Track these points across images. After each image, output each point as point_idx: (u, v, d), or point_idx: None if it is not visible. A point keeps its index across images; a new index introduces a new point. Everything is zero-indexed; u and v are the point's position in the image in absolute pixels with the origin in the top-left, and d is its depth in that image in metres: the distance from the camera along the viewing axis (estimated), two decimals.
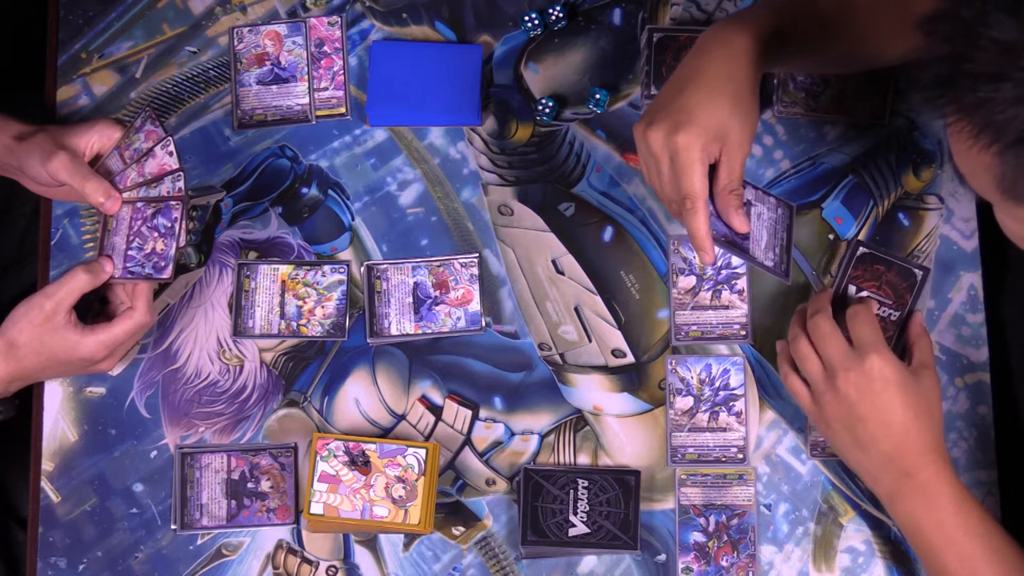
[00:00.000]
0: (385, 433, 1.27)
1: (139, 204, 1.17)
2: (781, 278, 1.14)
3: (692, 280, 1.29)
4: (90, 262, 1.16)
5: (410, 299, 1.29)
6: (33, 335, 1.15)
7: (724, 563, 1.24)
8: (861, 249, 1.22)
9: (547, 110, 1.32)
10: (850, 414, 1.12)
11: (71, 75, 1.36)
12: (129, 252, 1.16)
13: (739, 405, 1.26)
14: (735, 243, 1.15)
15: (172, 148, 1.17)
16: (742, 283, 1.28)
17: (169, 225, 1.16)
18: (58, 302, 1.14)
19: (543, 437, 1.27)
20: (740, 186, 1.11)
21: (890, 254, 1.21)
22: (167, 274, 1.15)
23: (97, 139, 1.19)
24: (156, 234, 1.16)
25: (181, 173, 1.17)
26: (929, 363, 1.16)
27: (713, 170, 1.10)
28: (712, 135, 1.08)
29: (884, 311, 1.20)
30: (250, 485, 1.26)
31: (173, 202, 1.16)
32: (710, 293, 1.29)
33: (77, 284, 1.15)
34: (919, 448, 1.12)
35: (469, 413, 1.28)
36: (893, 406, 1.12)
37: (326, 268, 1.30)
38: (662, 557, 1.25)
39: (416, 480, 1.18)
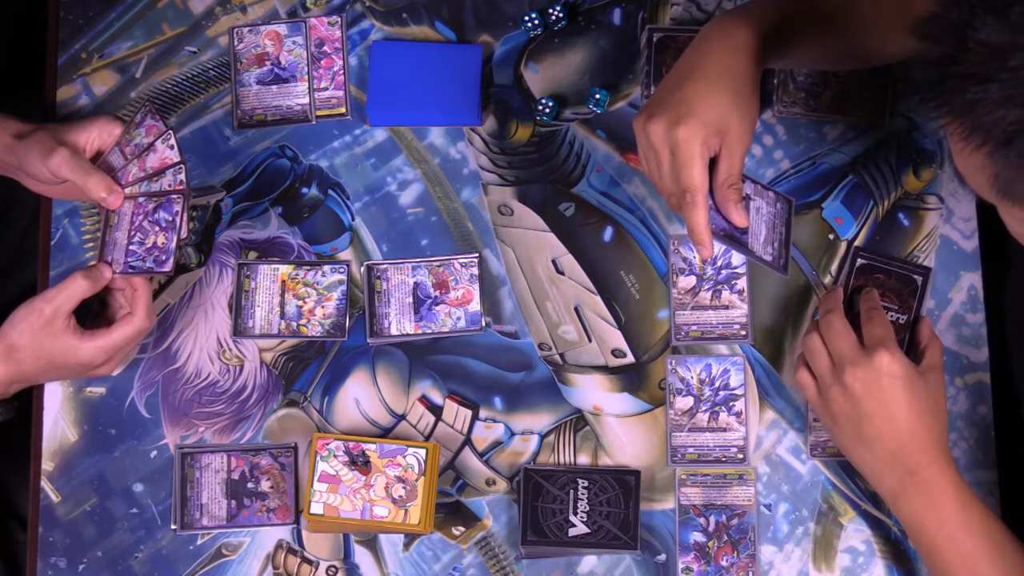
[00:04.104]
0: (385, 433, 1.27)
1: (140, 199, 1.17)
2: (780, 272, 1.14)
3: (692, 280, 1.29)
4: (90, 268, 1.16)
5: (410, 299, 1.29)
6: (32, 339, 1.14)
7: (724, 563, 1.24)
8: (860, 260, 1.23)
9: (547, 110, 1.32)
10: (856, 410, 1.13)
11: (71, 75, 1.36)
12: (131, 247, 1.16)
13: (739, 405, 1.26)
14: (734, 237, 1.15)
15: (173, 142, 1.17)
16: (742, 283, 1.28)
17: (170, 219, 1.16)
18: (57, 307, 1.14)
19: (543, 437, 1.27)
20: (740, 180, 1.11)
21: (888, 262, 1.22)
22: (168, 267, 1.15)
23: (97, 135, 1.19)
24: (157, 228, 1.16)
25: (182, 165, 1.17)
26: (938, 365, 1.18)
27: (712, 164, 1.10)
28: (713, 129, 1.08)
29: (891, 315, 1.21)
30: (250, 485, 1.26)
31: (174, 195, 1.16)
32: (710, 293, 1.29)
33: (76, 289, 1.14)
34: (923, 446, 1.12)
35: (469, 413, 1.28)
36: (899, 404, 1.12)
37: (326, 268, 1.30)
38: (662, 557, 1.25)
39: (416, 480, 1.18)
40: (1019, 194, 0.86)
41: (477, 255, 1.30)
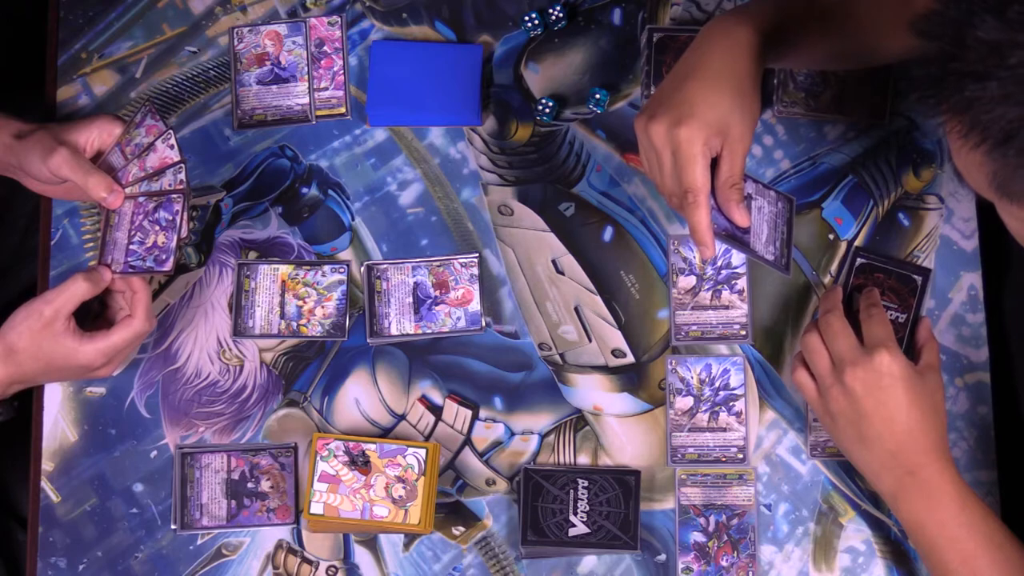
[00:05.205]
0: (385, 433, 1.27)
1: (141, 198, 1.17)
2: (782, 272, 1.14)
3: (692, 280, 1.29)
4: (90, 270, 1.16)
5: (410, 299, 1.29)
6: (32, 341, 1.14)
7: (724, 563, 1.24)
8: (860, 260, 1.23)
9: (547, 110, 1.32)
10: (855, 409, 1.13)
11: (71, 75, 1.36)
12: (131, 247, 1.16)
13: (739, 405, 1.26)
14: (736, 237, 1.15)
15: (173, 141, 1.17)
16: (742, 283, 1.28)
17: (170, 218, 1.15)
18: (57, 309, 1.14)
19: (543, 437, 1.27)
20: (741, 180, 1.11)
21: (888, 262, 1.23)
22: (168, 266, 1.15)
23: (97, 135, 1.19)
24: (157, 227, 1.16)
25: (182, 165, 1.17)
26: (935, 365, 1.18)
27: (714, 164, 1.10)
28: (714, 129, 1.08)
29: (891, 314, 1.21)
30: (250, 485, 1.26)
31: (175, 195, 1.16)
32: (710, 293, 1.29)
33: (77, 291, 1.14)
34: (923, 446, 1.12)
35: (469, 413, 1.28)
36: (899, 403, 1.12)
37: (326, 268, 1.30)
38: (662, 557, 1.25)
39: (416, 480, 1.18)
40: (1017, 192, 0.87)
41: (477, 255, 1.30)
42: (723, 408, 1.26)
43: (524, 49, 1.36)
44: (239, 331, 1.29)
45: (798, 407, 1.27)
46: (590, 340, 1.29)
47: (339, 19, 1.36)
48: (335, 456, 1.18)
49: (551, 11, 1.34)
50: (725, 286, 1.29)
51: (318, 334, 1.29)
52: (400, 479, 1.18)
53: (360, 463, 1.18)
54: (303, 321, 1.29)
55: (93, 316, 1.20)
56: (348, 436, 1.20)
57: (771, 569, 1.24)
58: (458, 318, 1.29)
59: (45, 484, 1.27)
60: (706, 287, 1.29)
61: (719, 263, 1.29)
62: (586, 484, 1.24)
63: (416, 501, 1.18)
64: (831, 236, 1.30)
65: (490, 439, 1.27)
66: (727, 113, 1.08)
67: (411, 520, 1.17)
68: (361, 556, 1.25)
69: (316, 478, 1.18)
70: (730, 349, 1.28)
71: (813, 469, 1.26)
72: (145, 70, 1.36)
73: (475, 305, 1.29)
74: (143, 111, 1.20)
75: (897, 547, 1.24)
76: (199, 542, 1.26)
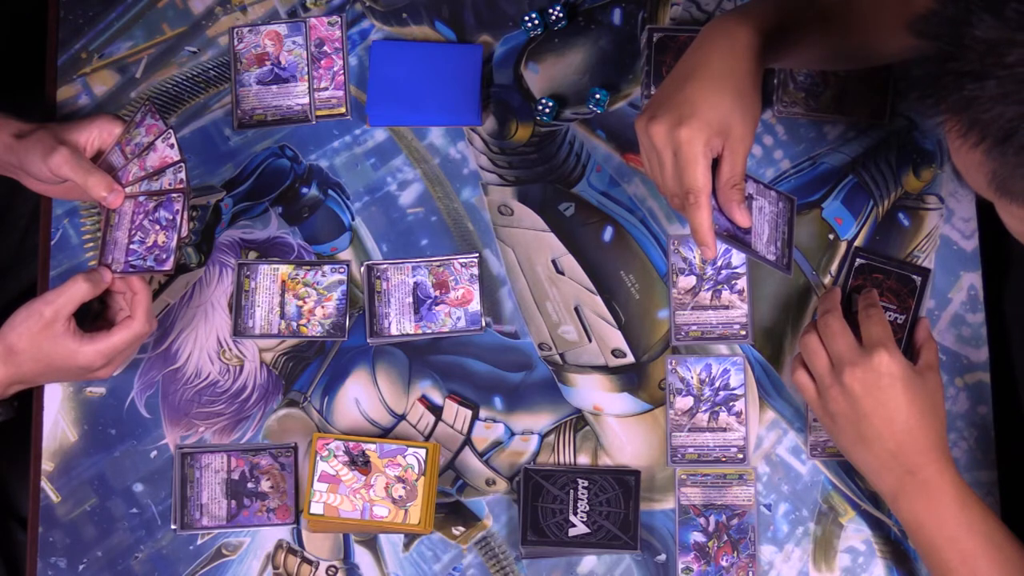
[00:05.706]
0: (385, 433, 1.27)
1: (141, 198, 1.17)
2: (783, 272, 1.14)
3: (692, 280, 1.29)
4: (90, 271, 1.16)
5: (410, 299, 1.29)
6: (32, 342, 1.14)
7: (724, 563, 1.24)
8: (859, 260, 1.23)
9: (547, 110, 1.32)
10: (855, 410, 1.13)
11: (71, 75, 1.36)
12: (131, 246, 1.16)
13: (739, 405, 1.26)
14: (737, 237, 1.15)
15: (173, 140, 1.17)
16: (742, 283, 1.28)
17: (171, 218, 1.15)
18: (57, 310, 1.14)
19: (543, 437, 1.27)
20: (742, 180, 1.11)
21: (888, 262, 1.23)
22: (168, 266, 1.15)
23: (97, 135, 1.19)
24: (158, 227, 1.15)
25: (182, 164, 1.17)
26: (934, 365, 1.18)
27: (714, 164, 1.10)
28: (715, 129, 1.08)
29: (889, 315, 1.21)
30: (250, 485, 1.26)
31: (175, 194, 1.16)
32: (710, 293, 1.29)
33: (77, 292, 1.14)
34: (923, 446, 1.12)
35: (469, 413, 1.28)
36: (898, 403, 1.12)
37: (326, 268, 1.30)
38: (662, 557, 1.25)
39: (416, 480, 1.18)
40: (1016, 190, 0.87)
41: (477, 255, 1.30)
42: (723, 408, 1.26)
43: (524, 49, 1.36)
44: (239, 331, 1.29)
45: (798, 407, 1.27)
46: (590, 340, 1.29)
47: (339, 19, 1.36)
48: (335, 456, 1.18)
49: (551, 11, 1.34)
50: (725, 286, 1.29)
51: (318, 334, 1.29)
52: (400, 479, 1.18)
53: (360, 463, 1.18)
54: (303, 321, 1.29)
55: (93, 316, 1.20)
56: (348, 436, 1.20)
57: (771, 569, 1.24)
58: (458, 318, 1.29)
59: (45, 484, 1.27)
60: (706, 287, 1.29)
61: (719, 263, 1.29)
62: (586, 484, 1.24)
63: (416, 501, 1.18)
64: (831, 236, 1.30)
65: (490, 439, 1.27)
66: (728, 113, 1.08)
67: (411, 520, 1.17)
68: (361, 556, 1.25)
69: (316, 478, 1.18)
70: (730, 349, 1.28)
71: (813, 469, 1.26)
72: (145, 70, 1.36)
73: (475, 305, 1.29)
74: (143, 111, 1.20)
75: (897, 547, 1.24)
76: (199, 542, 1.26)
